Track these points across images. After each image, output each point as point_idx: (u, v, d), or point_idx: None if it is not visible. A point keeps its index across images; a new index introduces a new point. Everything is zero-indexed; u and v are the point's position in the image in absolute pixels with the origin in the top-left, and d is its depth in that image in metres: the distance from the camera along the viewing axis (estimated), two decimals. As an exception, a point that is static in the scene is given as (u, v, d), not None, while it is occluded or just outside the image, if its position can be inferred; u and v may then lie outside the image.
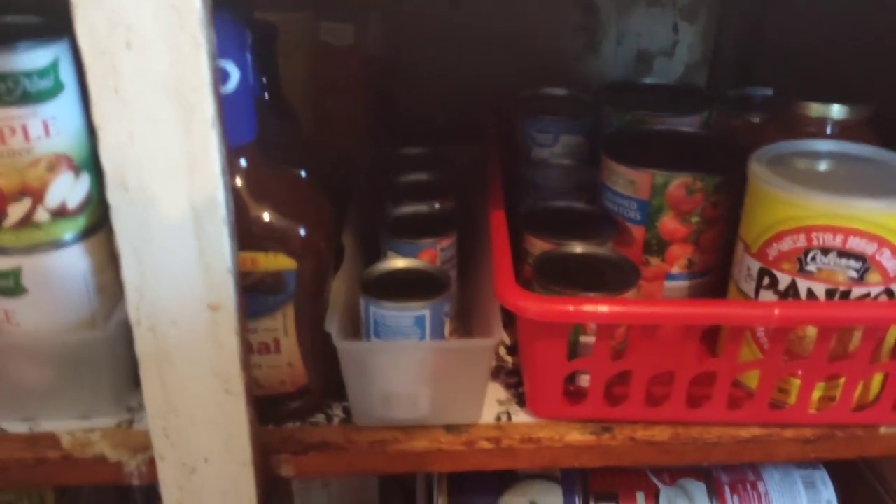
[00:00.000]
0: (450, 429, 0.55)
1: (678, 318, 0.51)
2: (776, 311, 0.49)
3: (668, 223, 0.63)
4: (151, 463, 0.52)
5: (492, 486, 0.73)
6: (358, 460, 0.54)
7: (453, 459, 0.55)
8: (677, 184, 0.62)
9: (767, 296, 0.54)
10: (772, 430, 0.55)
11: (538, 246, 0.63)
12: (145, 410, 0.54)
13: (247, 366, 0.47)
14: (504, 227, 0.59)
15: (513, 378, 0.61)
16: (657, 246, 0.64)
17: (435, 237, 0.60)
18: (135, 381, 0.56)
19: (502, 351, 0.64)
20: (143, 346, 0.45)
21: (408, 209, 0.64)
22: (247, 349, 0.46)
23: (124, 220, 0.41)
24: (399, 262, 0.57)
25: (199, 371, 0.45)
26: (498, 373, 0.61)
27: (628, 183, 0.64)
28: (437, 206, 0.64)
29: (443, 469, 0.54)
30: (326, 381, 0.56)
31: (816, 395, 0.55)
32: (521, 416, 0.57)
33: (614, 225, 0.65)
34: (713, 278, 0.65)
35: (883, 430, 0.56)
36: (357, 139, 0.77)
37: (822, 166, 0.58)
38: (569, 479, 0.74)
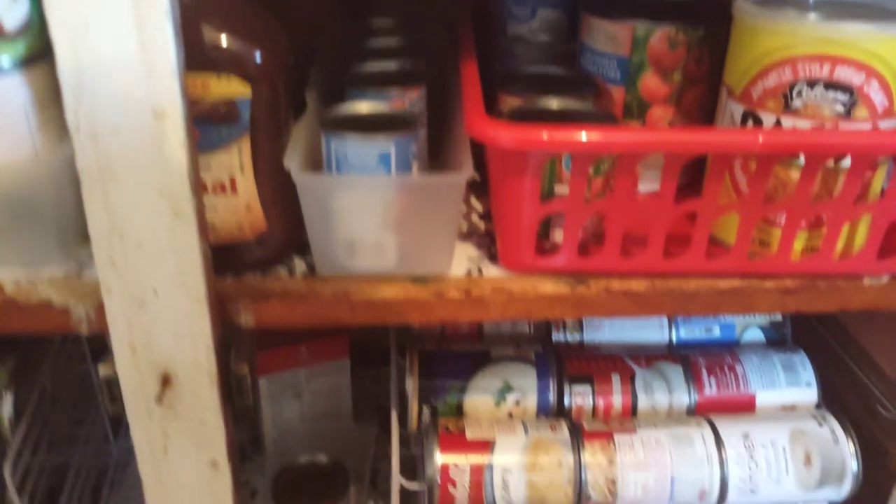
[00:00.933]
0: (418, 280, 0.53)
1: (659, 146, 0.48)
2: (760, 138, 0.46)
3: (649, 81, 0.60)
4: (101, 309, 0.49)
5: (464, 368, 0.71)
6: (321, 309, 0.51)
7: (422, 310, 0.52)
8: (659, 36, 0.59)
9: (750, 139, 0.52)
10: (751, 282, 0.53)
11: (512, 103, 0.60)
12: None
13: (197, 189, 0.44)
14: (476, 74, 0.55)
15: (485, 240, 0.58)
16: (637, 108, 0.62)
17: (403, 87, 0.57)
18: (84, 233, 0.54)
19: (475, 218, 0.62)
20: (84, 159, 0.42)
21: (375, 66, 0.61)
22: (195, 166, 0.43)
23: (56, 6, 0.38)
24: (364, 106, 0.54)
25: (145, 189, 0.42)
26: (470, 236, 0.59)
27: (608, 39, 0.61)
28: (405, 64, 0.61)
29: (411, 320, 0.52)
30: (287, 229, 0.53)
31: (798, 244, 0.53)
32: (492, 271, 0.54)
33: (593, 84, 0.62)
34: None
35: (866, 281, 0.54)
36: (326, 11, 0.73)
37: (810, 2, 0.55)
38: (543, 361, 0.72)
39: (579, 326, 0.77)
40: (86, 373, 0.89)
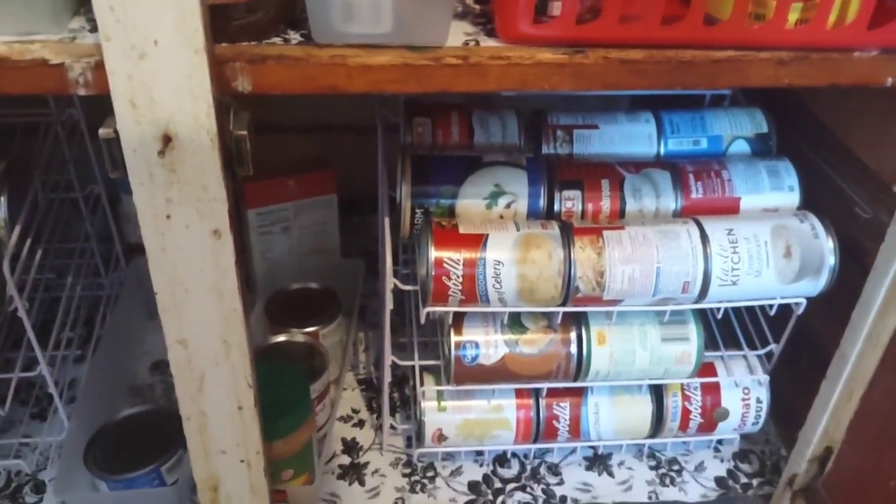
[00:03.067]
0: (414, 48, 0.53)
1: None
2: None
3: None
4: (98, 68, 0.48)
5: (456, 172, 0.72)
6: (318, 73, 0.51)
7: (419, 77, 0.52)
8: None
9: None
10: (747, 52, 0.54)
11: None
12: (87, 31, 0.51)
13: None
14: None
15: (481, 19, 0.58)
16: None
17: None
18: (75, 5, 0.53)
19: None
20: None
21: None
22: None
23: None
24: None
25: (141, -81, 0.41)
26: (465, 15, 0.58)
27: None
28: None
29: (408, 88, 0.52)
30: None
31: (793, 16, 0.53)
32: (489, 43, 0.54)
33: None
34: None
35: (857, 54, 0.55)
36: None
37: None
38: (534, 166, 0.73)
39: (569, 139, 0.78)
40: (73, 211, 0.89)
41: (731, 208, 0.73)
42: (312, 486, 0.76)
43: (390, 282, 0.70)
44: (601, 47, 0.54)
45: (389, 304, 0.71)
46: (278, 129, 1.09)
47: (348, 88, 0.52)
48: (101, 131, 0.50)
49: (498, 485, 0.84)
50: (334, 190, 1.01)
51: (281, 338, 0.88)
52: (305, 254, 1.04)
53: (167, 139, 0.49)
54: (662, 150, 0.78)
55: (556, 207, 0.72)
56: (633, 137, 0.78)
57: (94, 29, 0.52)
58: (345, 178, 1.00)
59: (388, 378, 0.79)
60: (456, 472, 0.85)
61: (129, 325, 0.96)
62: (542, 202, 0.72)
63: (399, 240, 0.74)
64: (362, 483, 0.84)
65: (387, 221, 0.69)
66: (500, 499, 0.83)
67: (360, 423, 0.90)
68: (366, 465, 0.86)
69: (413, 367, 0.80)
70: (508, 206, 0.71)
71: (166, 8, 0.44)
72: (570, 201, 0.72)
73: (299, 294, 0.94)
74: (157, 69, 0.47)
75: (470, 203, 0.71)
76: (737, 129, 0.78)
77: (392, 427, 0.87)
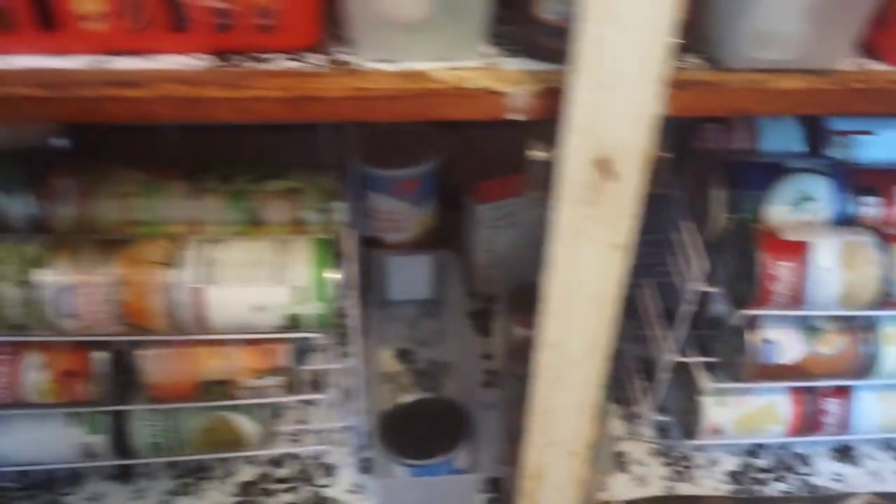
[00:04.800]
0: (818, 72, 0.55)
1: None
2: None
3: None
4: (539, 97, 0.52)
5: (762, 177, 0.75)
6: (731, 97, 0.54)
7: (823, 101, 0.55)
8: None
9: None
10: None
11: None
12: (503, 58, 0.54)
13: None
14: None
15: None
16: None
17: None
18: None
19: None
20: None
21: None
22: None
23: None
24: None
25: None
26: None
27: None
28: None
29: (809, 111, 0.55)
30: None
31: None
32: (875, 66, 0.57)
33: None
34: None
35: None
36: None
37: None
38: (835, 171, 0.75)
39: (849, 144, 0.80)
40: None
41: None
42: (604, 474, 0.80)
43: (698, 284, 0.73)
44: None
45: (691, 306, 0.75)
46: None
47: (758, 111, 0.55)
48: (534, 154, 0.53)
49: (754, 474, 0.88)
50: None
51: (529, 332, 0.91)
52: (524, 248, 1.08)
53: (604, 162, 0.52)
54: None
55: (855, 213, 0.74)
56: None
57: (509, 55, 0.56)
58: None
59: (665, 374, 0.83)
60: (713, 462, 0.89)
61: (366, 312, 1.00)
62: (844, 208, 0.74)
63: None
64: (624, 471, 0.88)
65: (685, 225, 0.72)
66: (758, 487, 0.86)
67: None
68: (621, 454, 0.89)
69: (687, 362, 0.83)
70: (812, 212, 0.74)
71: (638, 44, 0.47)
72: (867, 207, 0.74)
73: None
74: (613, 99, 0.50)
75: (777, 209, 0.73)
76: None
77: (646, 418, 0.90)
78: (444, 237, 1.08)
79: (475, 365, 0.89)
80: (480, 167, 1.02)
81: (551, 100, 0.52)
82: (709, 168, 0.74)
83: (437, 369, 0.98)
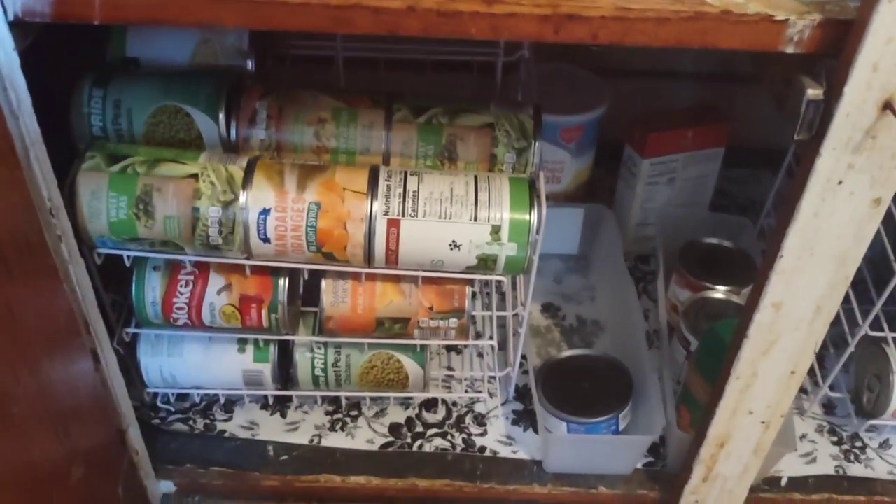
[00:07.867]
0: None
1: None
2: None
3: None
4: (820, 27, 0.47)
5: None
6: None
7: None
8: None
9: None
10: None
11: None
12: None
13: None
14: None
15: None
16: None
17: None
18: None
19: None
20: None
21: None
22: None
23: None
24: None
25: None
26: None
27: None
28: None
29: None
30: None
31: None
32: None
33: None
34: None
35: None
36: None
37: None
38: None
39: None
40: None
41: None
42: (785, 447, 0.76)
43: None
44: None
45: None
46: (671, 75, 1.07)
47: None
48: (811, 92, 0.49)
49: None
50: (725, 143, 0.99)
51: (701, 294, 0.87)
52: (679, 206, 1.03)
53: (887, 105, 0.47)
54: None
55: None
56: None
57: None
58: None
59: (854, 349, 0.78)
60: (888, 445, 0.84)
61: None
62: None
63: None
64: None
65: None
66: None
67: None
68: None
69: (876, 337, 0.78)
70: None
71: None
72: None
73: (712, 250, 0.93)
74: None
75: None
76: None
77: (816, 393, 0.85)
78: (597, 190, 1.04)
79: (630, 324, 0.85)
80: (642, 120, 0.97)
81: (836, 32, 0.47)
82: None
83: (586, 327, 0.95)
